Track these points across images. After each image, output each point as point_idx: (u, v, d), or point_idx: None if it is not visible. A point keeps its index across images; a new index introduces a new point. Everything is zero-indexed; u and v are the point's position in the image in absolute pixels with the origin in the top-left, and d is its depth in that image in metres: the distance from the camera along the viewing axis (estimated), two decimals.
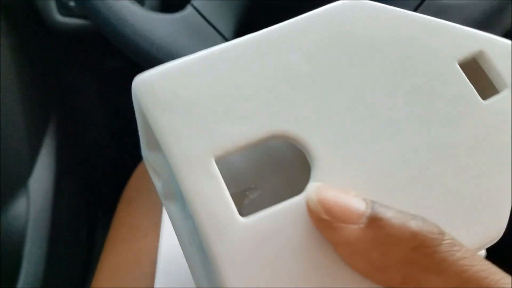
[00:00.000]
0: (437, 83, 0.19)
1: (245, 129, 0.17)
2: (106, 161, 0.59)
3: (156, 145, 0.20)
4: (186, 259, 0.23)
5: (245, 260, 0.16)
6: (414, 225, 0.15)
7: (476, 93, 0.19)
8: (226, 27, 0.34)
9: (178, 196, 0.24)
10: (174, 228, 0.24)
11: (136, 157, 0.49)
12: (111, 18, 0.32)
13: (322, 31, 0.19)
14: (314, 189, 0.16)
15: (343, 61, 0.19)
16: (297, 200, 0.17)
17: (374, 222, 0.15)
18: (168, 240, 0.35)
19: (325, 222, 0.16)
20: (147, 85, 0.18)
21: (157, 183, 0.25)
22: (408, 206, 0.17)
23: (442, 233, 0.16)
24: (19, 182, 0.45)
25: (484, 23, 0.36)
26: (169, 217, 0.25)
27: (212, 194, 0.16)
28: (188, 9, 0.33)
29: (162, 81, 0.18)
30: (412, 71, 0.19)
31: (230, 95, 0.18)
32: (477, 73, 0.20)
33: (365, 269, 0.16)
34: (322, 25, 0.19)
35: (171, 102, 0.18)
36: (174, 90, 0.18)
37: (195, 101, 0.18)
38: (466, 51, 0.20)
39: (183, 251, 0.23)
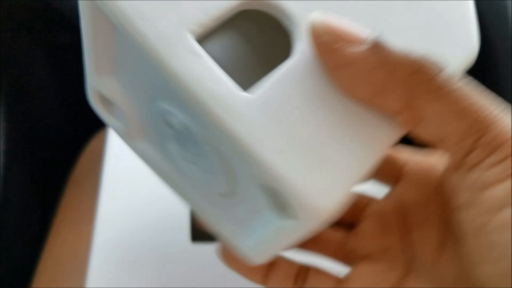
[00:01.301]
0: None
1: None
2: (61, 144, 0.56)
3: (108, 64, 0.18)
4: (180, 193, 0.21)
5: (267, 130, 0.15)
6: (415, 54, 0.15)
7: None
8: None
9: (150, 125, 0.21)
10: (150, 166, 0.22)
11: (89, 139, 0.46)
12: None
13: None
14: (319, 14, 0.16)
15: None
16: (292, 62, 0.16)
17: (377, 46, 0.15)
18: (104, 229, 0.33)
19: (326, 45, 0.15)
20: None
21: (113, 122, 0.22)
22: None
23: (441, 67, 0.16)
24: None
25: None
26: (141, 157, 0.22)
27: (205, 73, 0.15)
28: None
29: None
30: None
31: None
32: None
33: (367, 92, 0.16)
34: None
35: None
36: None
37: None
38: None
39: (172, 187, 0.21)
